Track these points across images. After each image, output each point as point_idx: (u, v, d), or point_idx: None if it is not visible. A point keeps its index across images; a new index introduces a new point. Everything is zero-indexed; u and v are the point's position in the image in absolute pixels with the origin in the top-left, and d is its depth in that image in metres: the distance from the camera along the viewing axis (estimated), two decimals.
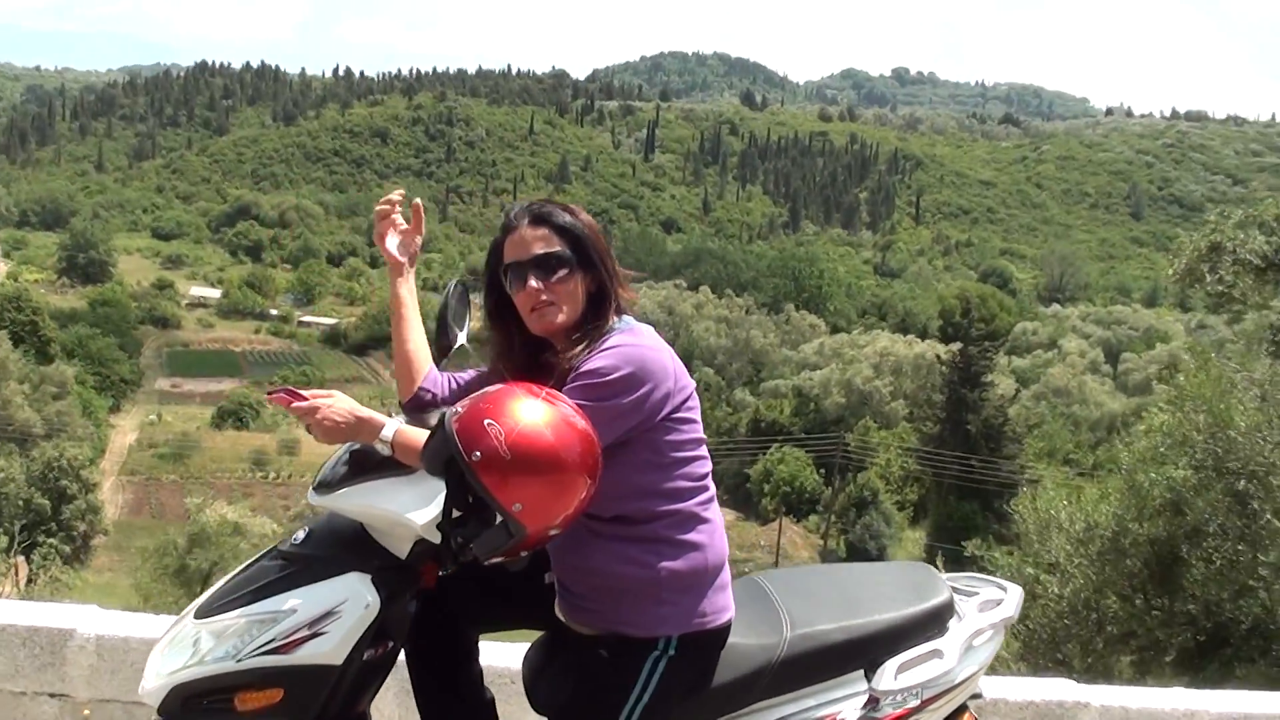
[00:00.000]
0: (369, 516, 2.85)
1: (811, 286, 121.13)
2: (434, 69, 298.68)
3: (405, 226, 3.22)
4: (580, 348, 2.83)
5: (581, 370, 2.75)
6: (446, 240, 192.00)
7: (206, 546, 33.62)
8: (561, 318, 2.86)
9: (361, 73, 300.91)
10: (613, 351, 2.77)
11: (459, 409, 2.55)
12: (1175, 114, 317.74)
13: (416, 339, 3.16)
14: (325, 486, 2.89)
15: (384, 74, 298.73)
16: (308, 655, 2.71)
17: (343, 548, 2.85)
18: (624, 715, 2.83)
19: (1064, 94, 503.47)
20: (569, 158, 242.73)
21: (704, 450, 3.01)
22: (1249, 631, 13.87)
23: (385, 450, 2.76)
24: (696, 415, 2.97)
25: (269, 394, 2.91)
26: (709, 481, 3.04)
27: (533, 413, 2.53)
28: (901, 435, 68.59)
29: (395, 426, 2.77)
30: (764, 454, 68.39)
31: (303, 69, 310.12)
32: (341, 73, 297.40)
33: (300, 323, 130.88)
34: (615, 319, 2.93)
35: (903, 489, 64.68)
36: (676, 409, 2.88)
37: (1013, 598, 3.40)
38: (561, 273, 2.84)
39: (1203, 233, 22.71)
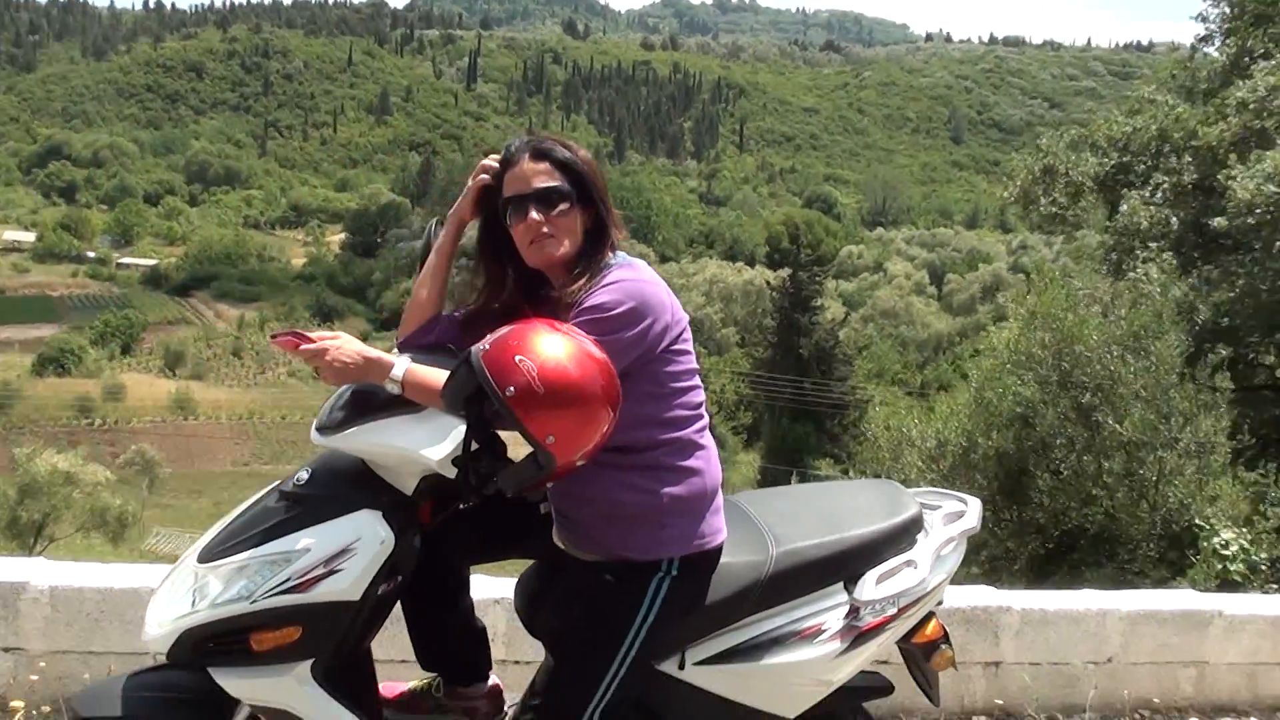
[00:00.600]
0: (379, 455, 2.82)
1: (639, 216, 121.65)
2: (249, 0, 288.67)
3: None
4: (581, 282, 2.86)
5: (586, 305, 2.79)
6: (267, 176, 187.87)
7: (38, 497, 32.52)
8: (561, 250, 2.88)
9: (173, 4, 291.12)
10: (615, 286, 2.82)
11: (486, 346, 2.56)
12: (993, 39, 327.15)
13: (437, 287, 3.12)
14: (329, 427, 2.85)
15: (197, 6, 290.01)
16: (325, 592, 2.69)
17: (350, 486, 2.82)
18: (630, 635, 2.90)
19: (884, 20, 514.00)
20: (390, 89, 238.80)
21: (698, 379, 3.09)
22: (1094, 538, 14.44)
23: (395, 389, 2.75)
24: (690, 346, 3.04)
25: (273, 337, 2.85)
26: (704, 409, 3.09)
27: (558, 347, 2.57)
28: (734, 361, 69.63)
29: (405, 365, 2.76)
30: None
31: (111, 2, 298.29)
32: (153, 5, 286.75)
33: (119, 265, 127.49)
34: (611, 255, 2.97)
35: (736, 414, 65.79)
36: (674, 341, 2.94)
37: (973, 510, 3.53)
38: (562, 206, 2.88)
39: (1036, 156, 23.34)
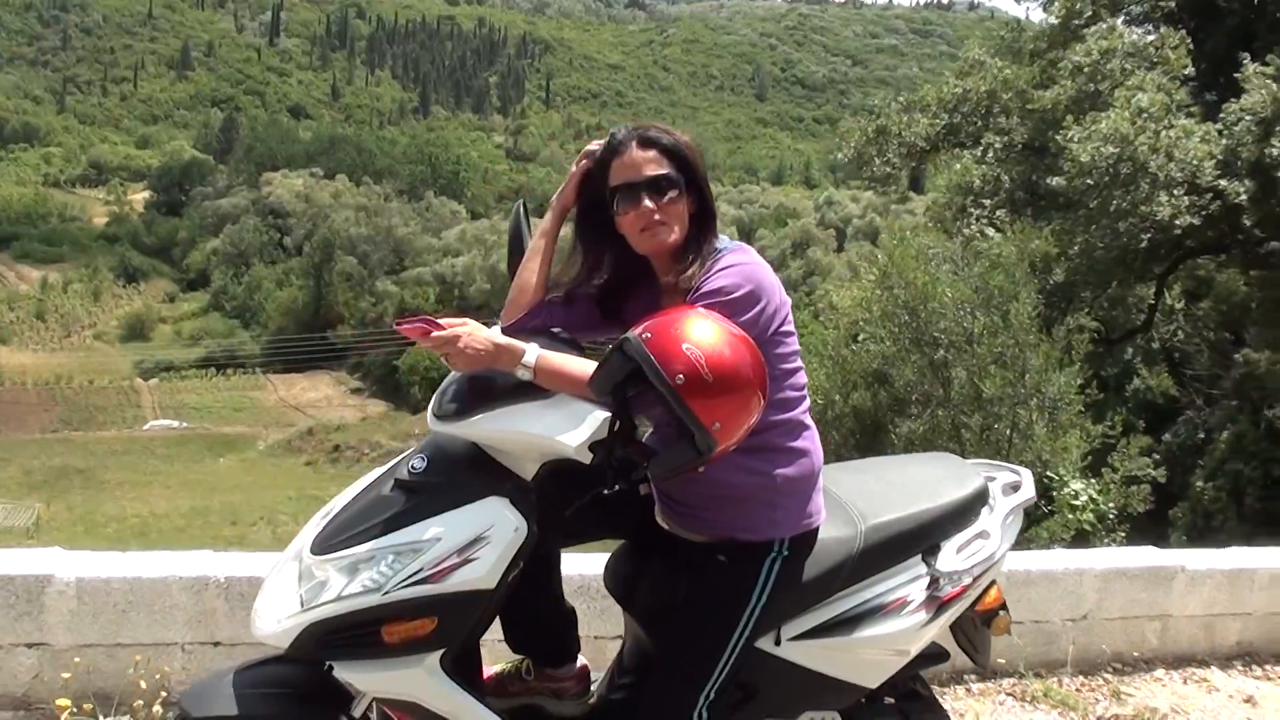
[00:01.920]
0: (508, 441, 2.77)
1: (448, 172, 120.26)
2: None
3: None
4: (695, 267, 2.87)
5: (705, 290, 2.79)
6: (66, 132, 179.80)
7: None
8: (673, 237, 2.89)
9: None
10: (733, 270, 2.83)
11: (647, 334, 2.55)
12: None
13: (543, 272, 3.10)
14: (449, 415, 2.78)
15: None
16: (460, 582, 2.64)
17: (473, 473, 2.76)
18: (745, 615, 2.94)
19: None
20: (191, 43, 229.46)
21: (800, 361, 3.12)
22: None
23: (525, 375, 2.70)
24: (793, 327, 3.05)
25: (399, 324, 2.77)
26: (806, 390, 3.14)
27: (718, 334, 2.58)
28: None
29: (536, 351, 2.72)
30: (413, 344, 68.22)
31: None
32: None
33: None
34: (725, 239, 3.00)
35: None
36: (782, 323, 2.96)
37: (1028, 481, 3.69)
38: (672, 194, 2.88)
39: (869, 118, 23.80)
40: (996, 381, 13.97)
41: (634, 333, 2.56)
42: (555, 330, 3.00)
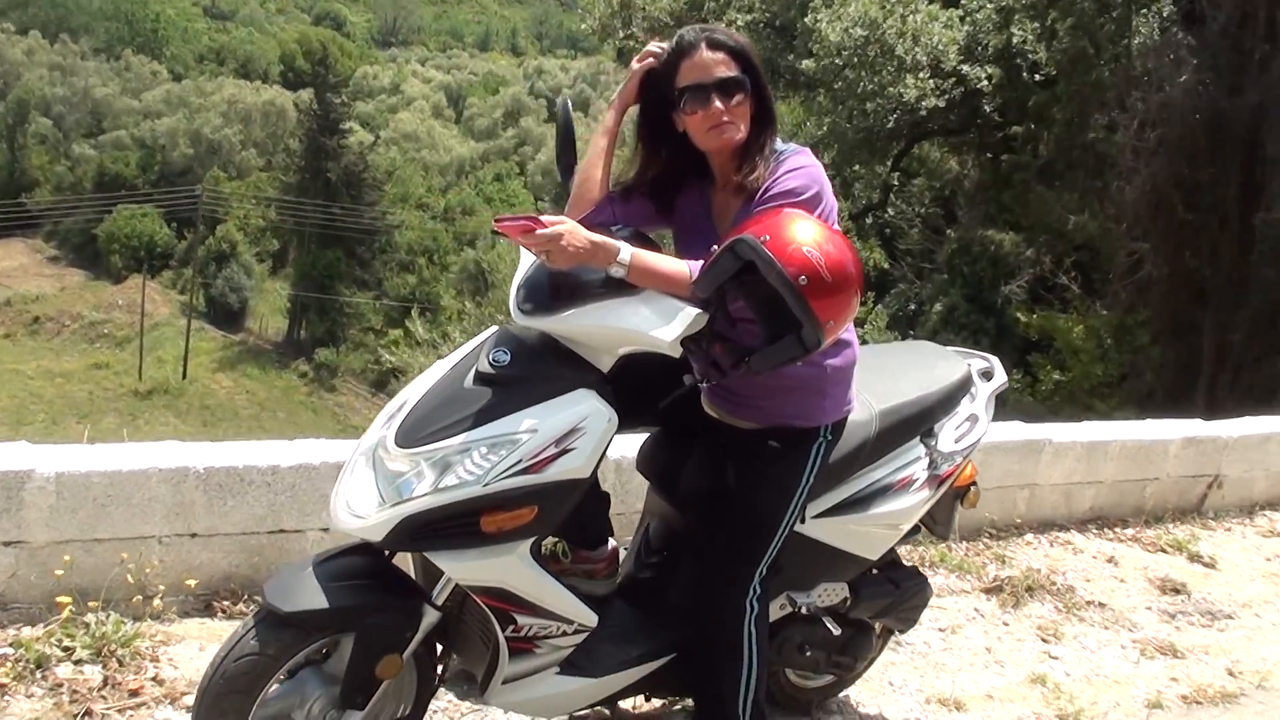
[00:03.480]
0: (600, 336, 2.81)
1: (147, 30, 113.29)
2: None
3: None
4: (761, 169, 2.94)
5: (778, 191, 2.89)
6: None
7: None
8: (739, 135, 2.95)
9: None
10: (801, 172, 2.92)
11: (765, 236, 2.62)
12: None
13: (606, 168, 3.11)
14: (541, 310, 2.81)
15: None
16: (559, 472, 2.69)
17: (560, 365, 2.80)
18: (796, 496, 3.12)
19: None
20: None
21: None
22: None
23: (619, 273, 2.73)
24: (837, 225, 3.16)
25: (499, 221, 2.69)
26: None
27: (827, 236, 2.67)
28: (258, 185, 67.27)
29: (630, 250, 2.75)
30: (112, 210, 64.69)
31: None
32: None
33: None
34: (779, 142, 3.06)
35: (262, 240, 64.03)
36: (834, 222, 3.04)
37: (998, 367, 3.99)
38: (739, 95, 2.93)
39: None
40: None
41: (749, 236, 2.63)
42: (616, 226, 3.00)
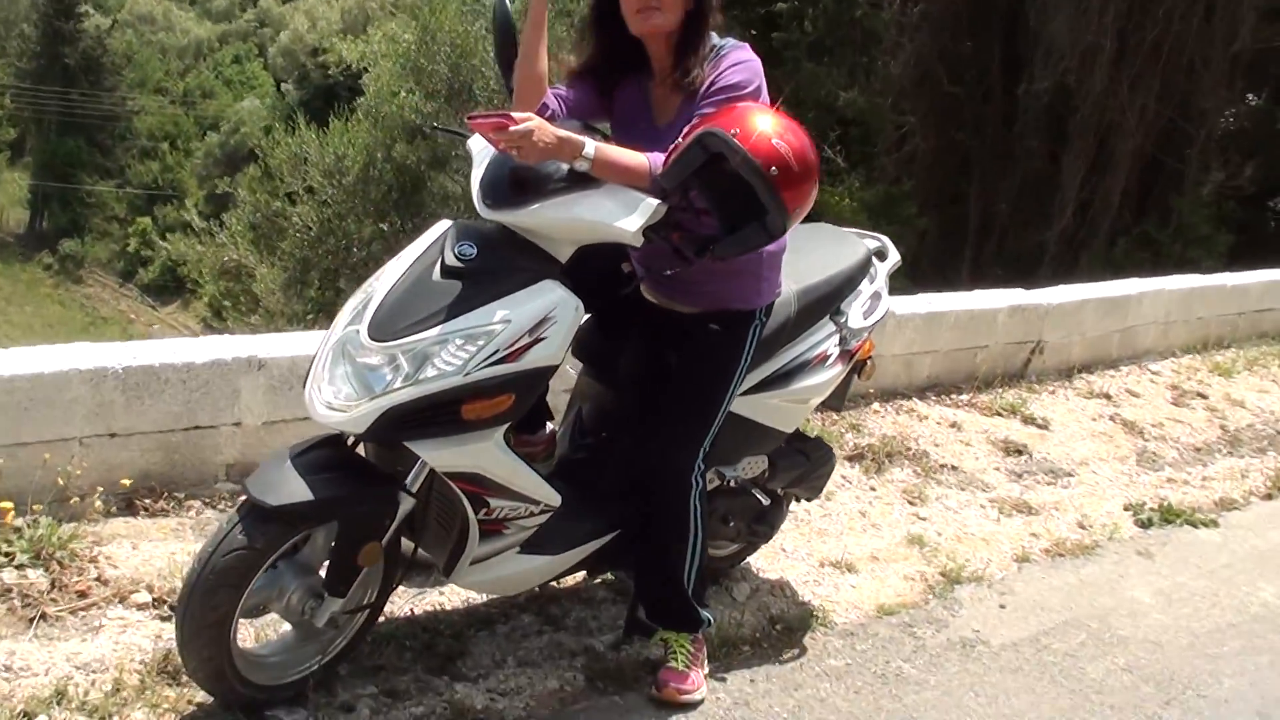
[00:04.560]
0: (564, 229, 2.90)
1: None
2: None
3: None
4: (701, 65, 3.04)
5: (724, 85, 2.98)
6: None
7: None
8: (660, 20, 3.00)
9: None
10: (743, 66, 3.02)
11: (735, 129, 2.71)
12: None
13: (543, 59, 3.11)
14: (506, 204, 2.88)
15: None
16: (534, 359, 2.80)
17: (525, 257, 2.88)
18: (735, 376, 3.27)
19: None
20: None
21: None
22: None
23: (584, 166, 2.81)
24: None
25: (472, 119, 2.73)
26: None
27: (789, 128, 2.77)
28: None
29: (594, 145, 2.82)
30: None
31: None
32: None
33: None
34: (716, 36, 3.12)
35: None
36: None
37: (891, 247, 4.13)
38: None
39: None
40: None
41: (718, 129, 2.71)
42: (561, 119, 3.04)
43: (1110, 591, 4.50)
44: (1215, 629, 4.28)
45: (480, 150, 3.04)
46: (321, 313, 15.74)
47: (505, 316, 2.75)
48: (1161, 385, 7.45)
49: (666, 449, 3.24)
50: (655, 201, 2.81)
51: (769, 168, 2.68)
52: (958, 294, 6.66)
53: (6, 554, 3.43)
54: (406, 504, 2.89)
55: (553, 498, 3.05)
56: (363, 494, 2.86)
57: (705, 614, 3.37)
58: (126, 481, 3.84)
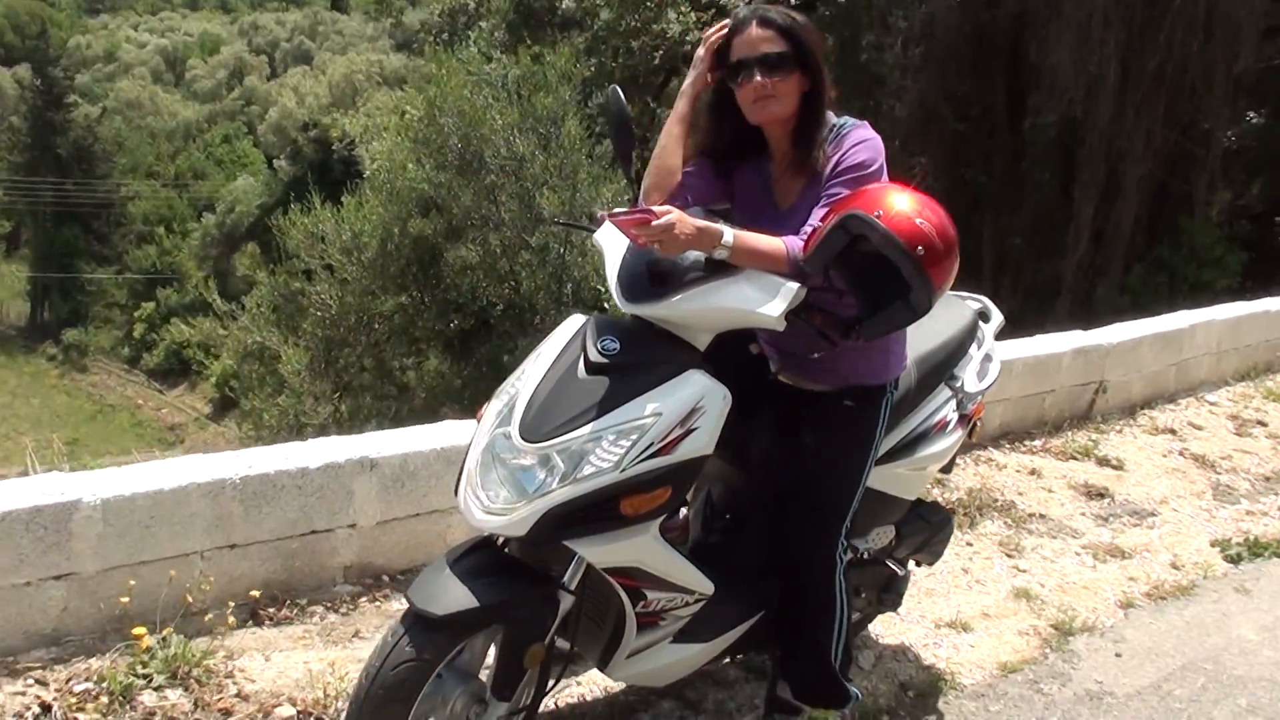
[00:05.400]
0: (706, 318, 2.92)
1: None
2: None
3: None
4: (823, 147, 3.07)
5: (847, 165, 3.00)
6: None
7: None
8: (777, 108, 3.06)
9: None
10: (866, 145, 3.03)
11: (878, 211, 2.73)
12: None
13: (682, 153, 3.21)
14: (649, 297, 2.91)
15: None
16: (687, 450, 2.80)
17: (668, 349, 2.91)
18: (872, 450, 3.29)
19: None
20: None
21: None
22: (506, 311, 15.26)
23: (724, 255, 2.83)
24: None
25: (613, 217, 2.77)
26: None
27: (923, 203, 2.78)
28: None
29: (732, 232, 2.83)
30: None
31: None
32: None
33: None
34: (833, 115, 3.15)
35: None
36: None
37: (992, 307, 4.20)
38: (783, 70, 3.03)
39: None
40: (553, 200, 14.30)
41: (861, 212, 2.74)
42: (691, 208, 3.05)
43: (1217, 631, 4.52)
44: None
45: (610, 244, 3.07)
46: (347, 389, 15.80)
47: (656, 409, 2.77)
48: (1221, 416, 7.51)
49: (812, 529, 3.27)
50: (795, 285, 2.83)
51: (915, 247, 2.69)
52: (1022, 340, 6.70)
53: (143, 675, 3.40)
54: (566, 602, 2.88)
55: (706, 586, 3.06)
56: (526, 596, 2.85)
57: (853, 689, 3.40)
58: (256, 593, 3.86)
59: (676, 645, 3.16)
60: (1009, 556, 5.02)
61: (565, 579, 2.86)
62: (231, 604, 3.80)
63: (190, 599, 3.67)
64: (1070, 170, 15.79)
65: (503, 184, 14.94)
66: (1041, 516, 5.46)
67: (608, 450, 2.73)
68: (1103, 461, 6.32)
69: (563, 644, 3.04)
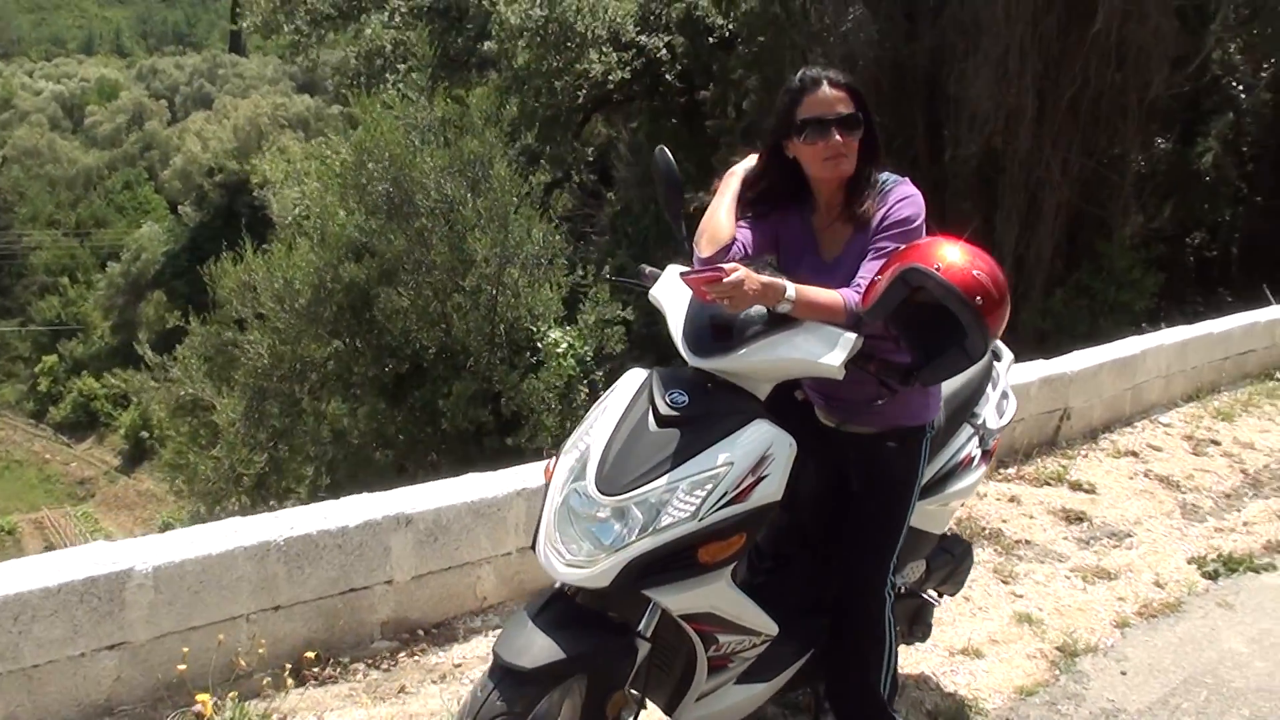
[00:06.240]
0: (770, 369, 3.03)
1: None
2: None
3: None
4: (870, 200, 3.22)
5: (895, 220, 3.17)
6: None
7: None
8: (847, 165, 3.20)
9: None
10: (910, 201, 3.20)
11: (937, 264, 2.85)
12: None
13: (734, 218, 3.30)
14: (715, 352, 3.03)
15: None
16: (760, 497, 2.89)
17: (733, 400, 3.00)
18: (915, 489, 3.43)
19: None
20: None
21: None
22: (439, 355, 15.23)
23: (786, 308, 2.95)
24: None
25: (685, 276, 2.92)
26: None
27: (975, 254, 2.92)
28: None
29: (794, 287, 2.95)
30: None
31: None
32: None
33: None
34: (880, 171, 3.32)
35: None
36: None
37: (1003, 346, 4.24)
38: (857, 131, 3.18)
39: None
40: (486, 243, 14.32)
41: (920, 266, 2.87)
42: (757, 259, 3.19)
43: (1210, 645, 4.71)
44: None
45: (669, 301, 3.19)
46: (281, 436, 15.63)
47: (728, 459, 2.85)
48: (1176, 436, 7.77)
49: (864, 568, 3.38)
50: (854, 336, 2.94)
51: (974, 297, 2.82)
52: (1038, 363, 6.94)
53: None
54: (643, 649, 2.94)
55: (772, 627, 3.14)
56: (607, 645, 2.90)
57: (899, 719, 3.51)
58: (311, 654, 3.88)
59: (740, 686, 3.25)
60: (1005, 583, 5.17)
61: (640, 627, 2.93)
62: (288, 666, 3.79)
63: (243, 662, 3.67)
64: (992, 200, 16.10)
65: (433, 227, 14.94)
66: (1028, 542, 5.63)
67: (684, 500, 2.81)
68: (1075, 486, 6.52)
69: (633, 692, 3.07)
